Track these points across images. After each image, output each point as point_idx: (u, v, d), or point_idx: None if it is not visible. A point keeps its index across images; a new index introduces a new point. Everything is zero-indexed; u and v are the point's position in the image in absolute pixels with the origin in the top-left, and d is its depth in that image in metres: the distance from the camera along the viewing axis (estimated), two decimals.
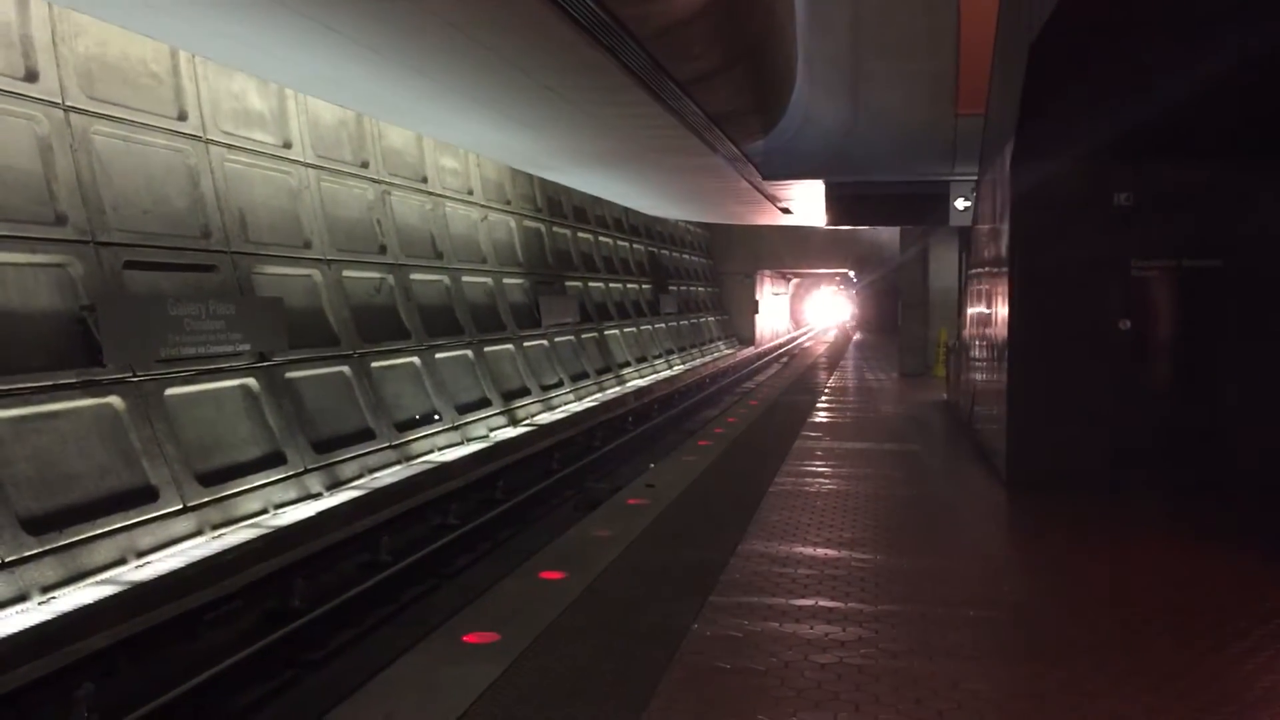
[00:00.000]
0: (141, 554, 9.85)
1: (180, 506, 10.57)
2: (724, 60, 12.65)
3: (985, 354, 11.84)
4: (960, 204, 16.64)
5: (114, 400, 10.39)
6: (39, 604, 8.54)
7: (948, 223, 17.48)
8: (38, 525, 9.00)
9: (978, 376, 12.79)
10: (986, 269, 11.90)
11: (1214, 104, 8.23)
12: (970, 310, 14.14)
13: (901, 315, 24.98)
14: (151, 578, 9.30)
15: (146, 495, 10.29)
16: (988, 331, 11.55)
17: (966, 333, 14.53)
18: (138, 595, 8.80)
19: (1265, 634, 5.72)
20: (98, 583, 9.17)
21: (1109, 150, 9.09)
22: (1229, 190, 9.19)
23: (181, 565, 9.67)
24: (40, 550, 8.86)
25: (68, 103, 10.71)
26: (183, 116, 12.42)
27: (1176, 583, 6.84)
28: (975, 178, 14.80)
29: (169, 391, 11.16)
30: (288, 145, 14.59)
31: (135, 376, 10.73)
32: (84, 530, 9.38)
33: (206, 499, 10.96)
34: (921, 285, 23.83)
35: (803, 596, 6.38)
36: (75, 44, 10.87)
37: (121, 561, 9.59)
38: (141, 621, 8.17)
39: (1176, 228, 9.38)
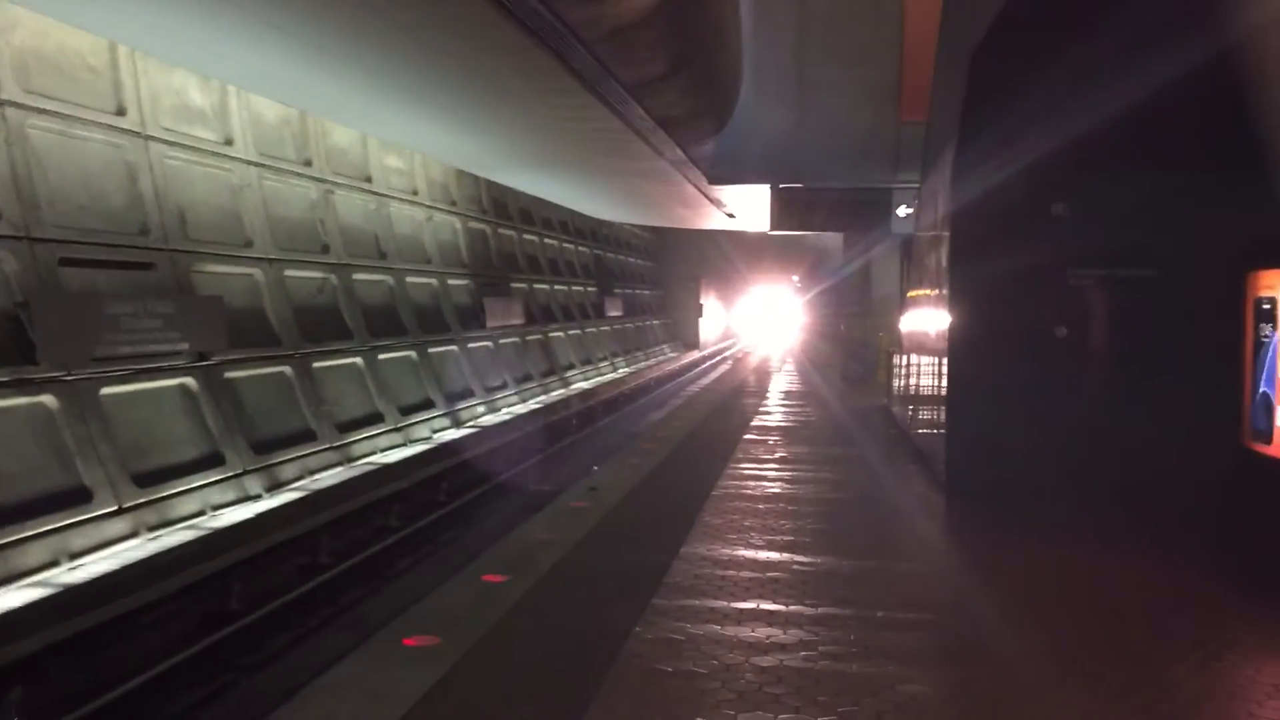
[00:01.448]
0: (75, 556, 9.64)
1: (115, 508, 10.37)
2: (670, 65, 12.70)
3: (925, 361, 11.97)
4: (902, 211, 16.84)
5: (47, 399, 10.17)
6: None
7: (890, 230, 17.68)
8: None
9: (918, 382, 12.94)
10: (927, 276, 12.05)
11: (1151, 115, 8.40)
12: (911, 316, 14.31)
13: (845, 321, 25.23)
14: (85, 580, 9.12)
15: (80, 496, 10.08)
16: (928, 338, 11.69)
17: (907, 339, 14.71)
18: (71, 598, 8.63)
19: (1195, 639, 5.87)
20: (29, 585, 8.97)
21: (1047, 160, 9.20)
22: (1164, 201, 9.29)
23: (116, 567, 9.50)
24: None
25: (2, 96, 10.47)
26: (121, 111, 12.18)
27: (1111, 589, 7.00)
28: (917, 185, 15.00)
29: (104, 391, 10.94)
30: (229, 142, 14.37)
31: (70, 375, 10.51)
32: (15, 532, 9.16)
33: (142, 500, 10.76)
34: (864, 291, 24.09)
35: (744, 599, 6.43)
36: (10, 36, 10.63)
37: (54, 564, 9.38)
38: (75, 624, 8.02)
39: (1112, 237, 9.53)
